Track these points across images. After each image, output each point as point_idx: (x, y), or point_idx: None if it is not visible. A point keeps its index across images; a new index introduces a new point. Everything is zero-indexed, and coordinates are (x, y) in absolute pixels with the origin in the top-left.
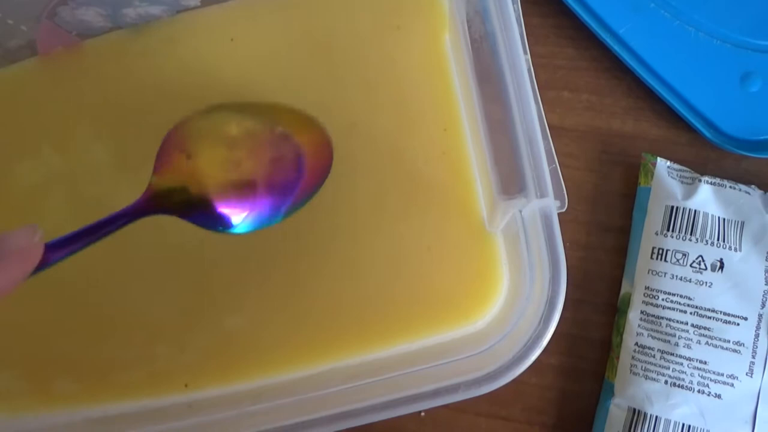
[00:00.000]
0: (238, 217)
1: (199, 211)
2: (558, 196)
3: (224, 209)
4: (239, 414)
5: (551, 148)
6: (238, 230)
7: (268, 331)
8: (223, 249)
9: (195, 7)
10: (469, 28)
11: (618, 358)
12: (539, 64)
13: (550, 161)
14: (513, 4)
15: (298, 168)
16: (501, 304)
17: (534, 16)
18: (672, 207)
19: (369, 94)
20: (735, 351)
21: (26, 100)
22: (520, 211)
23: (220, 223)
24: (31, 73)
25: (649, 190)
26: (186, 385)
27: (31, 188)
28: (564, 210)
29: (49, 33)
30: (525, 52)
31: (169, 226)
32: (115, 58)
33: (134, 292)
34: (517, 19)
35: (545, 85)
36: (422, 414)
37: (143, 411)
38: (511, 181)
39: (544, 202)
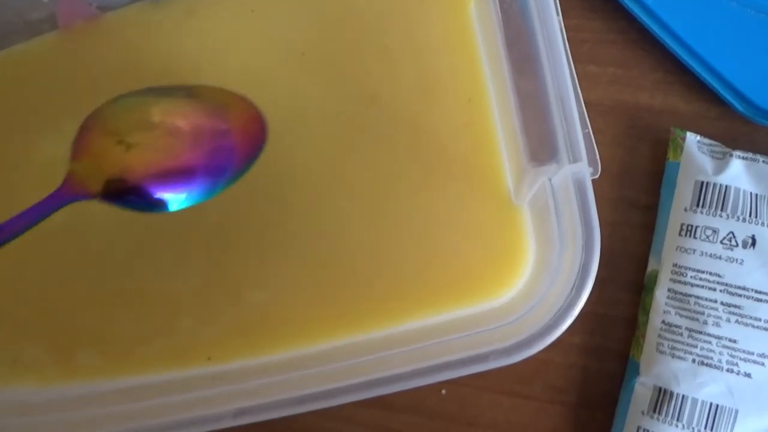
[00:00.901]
0: (169, 196)
1: (125, 194)
2: (591, 161)
3: (153, 191)
4: (262, 383)
5: (584, 113)
6: (170, 209)
7: (290, 305)
8: (245, 223)
9: None
10: None
11: (644, 336)
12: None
13: (583, 126)
14: None
15: (228, 143)
16: (527, 278)
17: None
18: (702, 182)
19: (391, 65)
20: (766, 329)
21: (48, 73)
22: (550, 180)
23: (148, 205)
24: (52, 46)
25: (678, 165)
26: (209, 358)
27: (54, 161)
28: (597, 176)
29: (70, 5)
30: (558, 14)
31: None
32: (134, 30)
33: (156, 265)
34: None
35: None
36: (443, 392)
37: (167, 383)
38: (541, 146)
39: (578, 167)
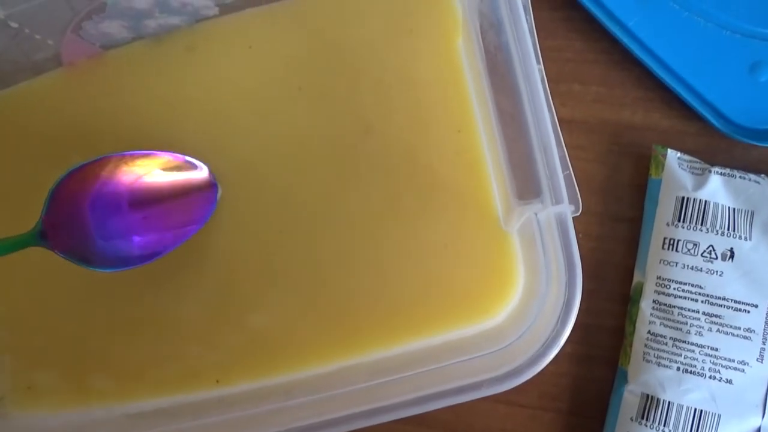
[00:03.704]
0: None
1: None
2: (572, 200)
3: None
4: (268, 411)
5: (565, 154)
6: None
7: (292, 329)
8: (247, 250)
9: (214, 16)
10: (483, 39)
11: (631, 346)
12: (549, 57)
13: (564, 167)
14: (526, 15)
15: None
16: (517, 301)
17: (544, 10)
18: (683, 198)
19: (384, 97)
20: (745, 338)
21: (54, 109)
22: (536, 214)
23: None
24: (57, 83)
25: (659, 181)
26: (217, 381)
27: None
28: (578, 214)
29: (74, 45)
30: (538, 62)
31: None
32: (137, 67)
33: (163, 292)
34: (530, 30)
35: (555, 78)
36: None
37: (177, 406)
38: (527, 187)
39: (560, 209)
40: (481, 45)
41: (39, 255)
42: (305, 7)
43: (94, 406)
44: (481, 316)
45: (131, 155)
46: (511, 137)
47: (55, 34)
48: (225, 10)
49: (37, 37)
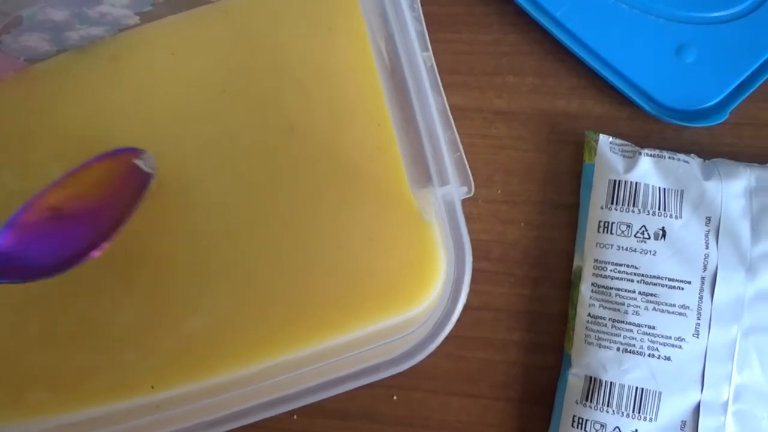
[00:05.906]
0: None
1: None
2: (464, 182)
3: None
4: (201, 405)
5: (455, 138)
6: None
7: (225, 330)
8: (178, 253)
9: (135, 25)
10: (378, 30)
11: (573, 329)
12: (485, 51)
13: (455, 150)
14: (413, 4)
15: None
16: (439, 288)
17: (478, 5)
18: (614, 181)
19: (305, 96)
20: (681, 314)
21: None
22: (439, 200)
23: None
24: None
25: (593, 166)
26: (152, 387)
27: None
28: (471, 195)
29: None
30: (425, 50)
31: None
32: (62, 78)
33: (97, 300)
34: (417, 19)
35: (492, 72)
36: (394, 398)
37: (114, 413)
38: (419, 171)
39: (446, 190)
40: (376, 38)
41: None
42: (225, 10)
43: (32, 419)
44: (407, 306)
45: (52, 187)
46: (405, 125)
47: None
48: (146, 18)
49: None
